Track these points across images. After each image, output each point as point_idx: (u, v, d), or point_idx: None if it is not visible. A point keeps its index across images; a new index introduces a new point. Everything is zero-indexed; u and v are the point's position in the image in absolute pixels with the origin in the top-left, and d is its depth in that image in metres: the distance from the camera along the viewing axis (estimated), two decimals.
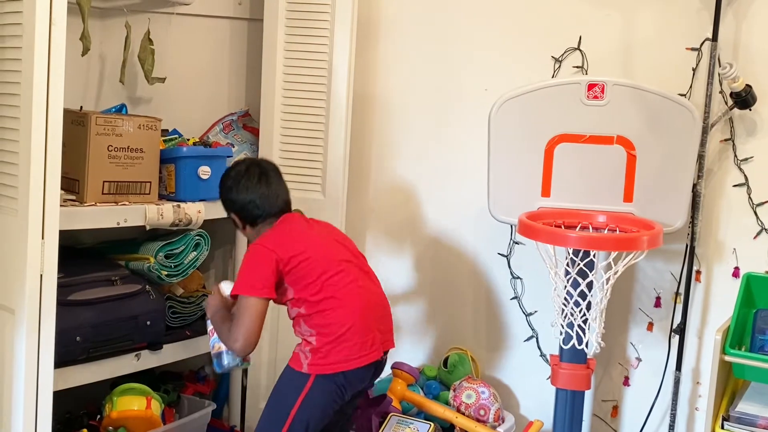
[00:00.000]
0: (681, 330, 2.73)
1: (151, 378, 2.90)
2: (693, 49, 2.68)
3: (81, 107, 2.63)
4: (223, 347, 2.38)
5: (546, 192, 2.62)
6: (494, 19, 2.98)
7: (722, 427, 2.30)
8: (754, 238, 2.65)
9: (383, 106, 3.18)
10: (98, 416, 2.65)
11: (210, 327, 2.43)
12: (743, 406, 2.35)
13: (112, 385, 2.67)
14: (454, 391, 2.85)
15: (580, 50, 2.84)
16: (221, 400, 3.19)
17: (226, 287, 2.44)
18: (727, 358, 2.31)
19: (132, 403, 2.59)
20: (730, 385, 2.49)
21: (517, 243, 2.98)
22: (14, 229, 2.12)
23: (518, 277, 3.01)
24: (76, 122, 2.50)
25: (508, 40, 2.96)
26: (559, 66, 2.87)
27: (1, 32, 2.16)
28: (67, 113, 2.19)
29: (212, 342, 2.42)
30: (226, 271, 3.28)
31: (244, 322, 2.25)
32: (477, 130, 2.82)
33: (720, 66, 2.59)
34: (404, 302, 3.20)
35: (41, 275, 2.12)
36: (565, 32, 2.85)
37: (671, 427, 2.76)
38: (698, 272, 2.73)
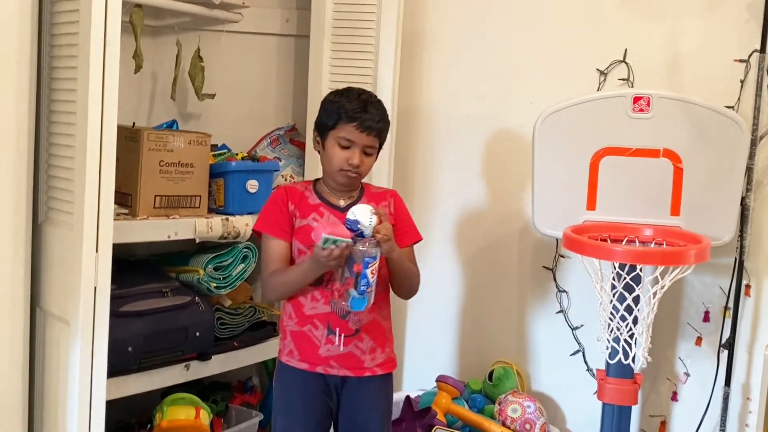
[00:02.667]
0: (730, 345, 2.69)
1: (200, 388, 2.94)
2: (741, 61, 2.65)
3: (133, 123, 2.69)
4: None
5: (591, 205, 2.60)
6: (539, 31, 2.98)
7: None
8: None
9: (428, 119, 3.20)
10: (149, 425, 2.69)
11: (372, 262, 1.99)
12: None
13: (162, 394, 2.71)
14: (499, 404, 2.84)
15: (626, 63, 2.82)
16: (268, 410, 3.22)
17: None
18: None
19: (181, 413, 2.63)
20: None
21: (562, 256, 2.97)
22: (69, 242, 2.17)
23: (564, 291, 2.99)
24: (128, 138, 2.56)
25: (553, 53, 2.96)
26: (605, 78, 2.86)
27: (57, 52, 2.23)
28: (121, 129, 2.23)
29: (373, 281, 2.02)
30: None
31: None
32: (521, 143, 2.82)
33: None
34: (449, 315, 3.20)
35: (95, 287, 2.15)
36: (610, 44, 2.84)
37: None
38: (748, 286, 2.69)
